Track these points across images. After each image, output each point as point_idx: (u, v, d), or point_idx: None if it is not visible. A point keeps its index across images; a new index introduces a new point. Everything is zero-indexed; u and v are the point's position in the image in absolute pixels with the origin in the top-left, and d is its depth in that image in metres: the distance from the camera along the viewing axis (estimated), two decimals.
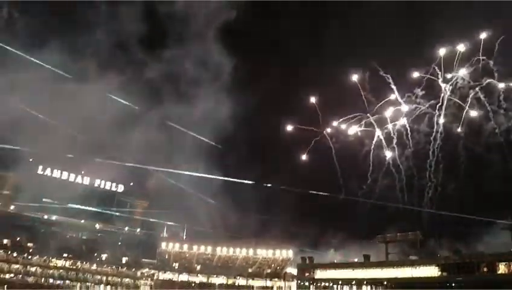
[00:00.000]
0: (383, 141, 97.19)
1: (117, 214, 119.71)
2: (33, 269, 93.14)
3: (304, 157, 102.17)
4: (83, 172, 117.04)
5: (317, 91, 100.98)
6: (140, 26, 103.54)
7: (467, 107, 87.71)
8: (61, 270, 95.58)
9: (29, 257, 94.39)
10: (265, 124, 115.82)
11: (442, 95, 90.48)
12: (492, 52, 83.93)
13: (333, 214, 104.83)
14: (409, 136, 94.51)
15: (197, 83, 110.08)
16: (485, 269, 72.41)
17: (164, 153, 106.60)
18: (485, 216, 78.41)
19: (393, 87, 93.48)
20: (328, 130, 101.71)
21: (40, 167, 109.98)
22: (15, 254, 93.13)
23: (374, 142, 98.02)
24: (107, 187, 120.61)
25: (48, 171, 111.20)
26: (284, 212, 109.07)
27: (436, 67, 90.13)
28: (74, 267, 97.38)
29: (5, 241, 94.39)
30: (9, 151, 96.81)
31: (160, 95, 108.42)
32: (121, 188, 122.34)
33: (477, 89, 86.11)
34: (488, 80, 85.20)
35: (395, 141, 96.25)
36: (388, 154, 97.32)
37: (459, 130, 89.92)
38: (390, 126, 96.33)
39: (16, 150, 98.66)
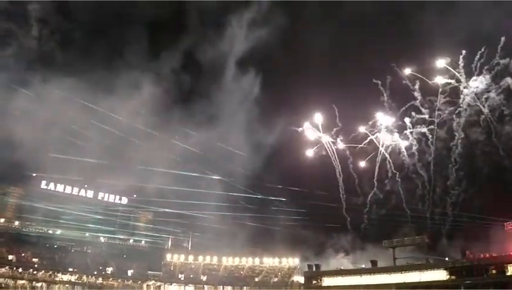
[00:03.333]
0: (402, 147, 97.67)
1: (121, 226, 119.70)
2: (39, 284, 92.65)
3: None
4: (86, 185, 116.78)
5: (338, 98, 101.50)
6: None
7: (486, 109, 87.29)
8: (67, 285, 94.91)
9: (35, 272, 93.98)
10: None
11: (462, 99, 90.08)
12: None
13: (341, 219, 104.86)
14: (430, 142, 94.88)
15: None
16: (494, 271, 72.06)
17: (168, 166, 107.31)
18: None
19: (417, 94, 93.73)
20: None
21: (44, 182, 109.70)
22: (20, 270, 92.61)
23: (389, 147, 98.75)
24: (111, 200, 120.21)
25: (51, 186, 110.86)
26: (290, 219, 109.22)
27: (456, 73, 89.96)
28: (80, 281, 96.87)
29: (10, 257, 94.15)
30: (12, 166, 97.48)
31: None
32: (124, 200, 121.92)
33: (492, 92, 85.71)
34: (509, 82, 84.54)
35: (414, 147, 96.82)
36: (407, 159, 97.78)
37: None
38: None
39: (19, 165, 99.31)
